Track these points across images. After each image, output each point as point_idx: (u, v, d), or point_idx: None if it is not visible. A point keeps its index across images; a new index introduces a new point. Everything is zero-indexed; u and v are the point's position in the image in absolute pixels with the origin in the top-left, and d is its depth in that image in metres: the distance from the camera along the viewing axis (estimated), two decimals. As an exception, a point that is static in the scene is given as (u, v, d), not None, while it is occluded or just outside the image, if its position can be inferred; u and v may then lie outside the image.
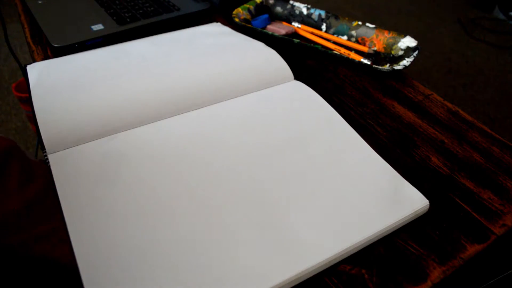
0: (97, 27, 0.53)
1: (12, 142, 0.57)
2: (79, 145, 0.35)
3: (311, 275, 0.27)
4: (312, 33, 0.56)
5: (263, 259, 0.27)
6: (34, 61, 0.48)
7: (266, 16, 0.57)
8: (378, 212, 0.30)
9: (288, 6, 0.60)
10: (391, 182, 0.33)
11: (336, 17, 0.56)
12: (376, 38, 0.53)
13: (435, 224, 0.31)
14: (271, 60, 0.44)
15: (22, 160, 0.57)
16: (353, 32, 0.55)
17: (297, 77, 0.45)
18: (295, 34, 0.57)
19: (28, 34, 0.54)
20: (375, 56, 0.52)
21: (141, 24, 0.54)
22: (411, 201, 0.32)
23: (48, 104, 0.36)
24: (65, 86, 0.38)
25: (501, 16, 2.18)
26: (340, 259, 0.28)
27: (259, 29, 0.53)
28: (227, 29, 0.53)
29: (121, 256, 0.27)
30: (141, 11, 0.57)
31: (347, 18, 0.55)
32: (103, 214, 0.29)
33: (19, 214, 0.54)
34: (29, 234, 0.54)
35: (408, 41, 0.50)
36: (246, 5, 0.58)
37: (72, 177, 0.32)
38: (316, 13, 0.57)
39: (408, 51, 0.50)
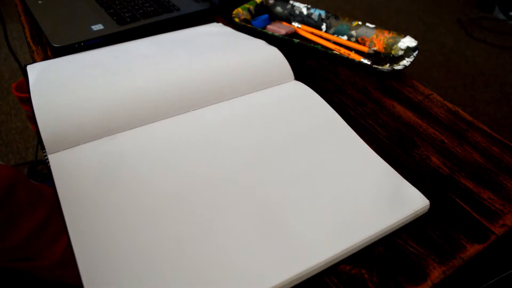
0: (97, 27, 0.53)
1: (14, 171, 0.56)
2: (79, 145, 0.35)
3: (311, 275, 0.27)
4: (312, 33, 0.56)
5: (263, 259, 0.27)
6: (34, 61, 0.48)
7: (266, 16, 0.57)
8: (378, 212, 0.30)
9: (288, 6, 0.60)
10: (391, 182, 0.33)
11: (336, 17, 0.56)
12: (376, 38, 0.53)
13: (435, 224, 0.31)
14: (273, 58, 0.44)
15: (26, 187, 0.57)
16: (353, 32, 0.55)
17: (297, 77, 0.45)
18: (295, 34, 0.57)
19: (28, 34, 0.54)
20: (375, 56, 0.52)
21: (141, 24, 0.54)
22: (411, 201, 0.32)
23: (48, 104, 0.36)
24: (65, 86, 0.38)
25: (501, 16, 2.18)
26: (340, 259, 0.28)
27: (259, 29, 0.53)
28: (227, 29, 0.53)
29: (121, 256, 0.27)
30: (141, 11, 0.57)
31: (347, 18, 0.55)
32: (103, 214, 0.29)
33: (27, 240, 0.54)
34: (39, 260, 0.54)
35: (408, 41, 0.50)
36: (246, 5, 0.58)
37: (72, 177, 0.32)
38: (316, 13, 0.57)
39: (408, 51, 0.50)
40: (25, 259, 0.54)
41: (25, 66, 0.43)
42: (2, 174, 0.53)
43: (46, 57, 0.49)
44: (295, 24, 0.59)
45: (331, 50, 0.52)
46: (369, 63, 0.48)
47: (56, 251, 0.56)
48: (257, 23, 0.56)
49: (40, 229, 0.55)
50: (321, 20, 0.57)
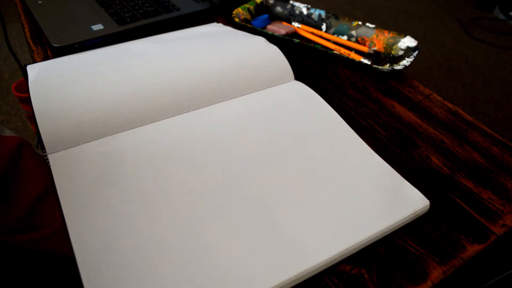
0: (97, 27, 0.53)
1: (21, 141, 0.57)
2: (79, 145, 0.35)
3: (311, 275, 0.27)
4: (312, 33, 0.56)
5: (263, 259, 0.27)
6: (34, 61, 0.48)
7: (266, 16, 0.57)
8: (378, 212, 0.30)
9: (288, 6, 0.60)
10: (391, 182, 0.33)
11: (336, 17, 0.56)
12: (376, 38, 0.53)
13: (435, 224, 0.31)
14: (273, 58, 0.44)
15: (33, 155, 0.58)
16: (353, 32, 0.55)
17: (297, 77, 0.45)
18: (295, 34, 0.57)
19: (28, 34, 0.54)
20: (375, 56, 0.52)
21: (141, 24, 0.54)
22: (411, 201, 0.32)
23: (47, 104, 0.36)
24: (65, 86, 0.38)
25: (501, 16, 2.18)
26: (340, 259, 0.28)
27: (259, 29, 0.53)
28: (228, 28, 0.53)
29: (121, 256, 0.27)
30: (141, 11, 0.57)
31: (347, 18, 0.55)
32: (103, 214, 0.29)
33: (31, 211, 0.54)
34: (40, 231, 0.55)
35: (408, 41, 0.50)
36: (246, 5, 0.58)
37: (72, 177, 0.32)
38: (316, 13, 0.57)
39: (408, 51, 0.50)
40: (26, 230, 0.54)
41: (25, 66, 0.43)
42: (9, 143, 0.54)
43: (46, 57, 0.49)
44: (295, 24, 0.59)
45: (331, 50, 0.52)
46: (369, 63, 0.48)
47: (57, 219, 0.56)
48: (257, 23, 0.56)
49: (43, 197, 0.55)
50: (321, 20, 0.57)
